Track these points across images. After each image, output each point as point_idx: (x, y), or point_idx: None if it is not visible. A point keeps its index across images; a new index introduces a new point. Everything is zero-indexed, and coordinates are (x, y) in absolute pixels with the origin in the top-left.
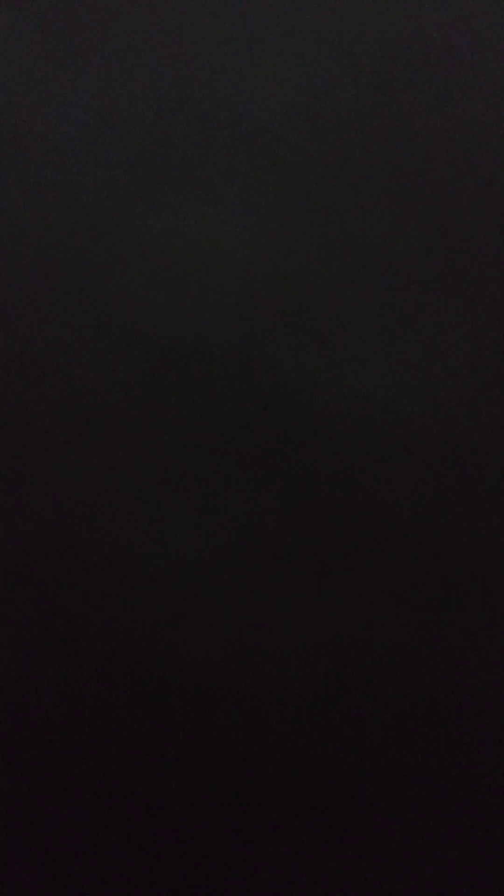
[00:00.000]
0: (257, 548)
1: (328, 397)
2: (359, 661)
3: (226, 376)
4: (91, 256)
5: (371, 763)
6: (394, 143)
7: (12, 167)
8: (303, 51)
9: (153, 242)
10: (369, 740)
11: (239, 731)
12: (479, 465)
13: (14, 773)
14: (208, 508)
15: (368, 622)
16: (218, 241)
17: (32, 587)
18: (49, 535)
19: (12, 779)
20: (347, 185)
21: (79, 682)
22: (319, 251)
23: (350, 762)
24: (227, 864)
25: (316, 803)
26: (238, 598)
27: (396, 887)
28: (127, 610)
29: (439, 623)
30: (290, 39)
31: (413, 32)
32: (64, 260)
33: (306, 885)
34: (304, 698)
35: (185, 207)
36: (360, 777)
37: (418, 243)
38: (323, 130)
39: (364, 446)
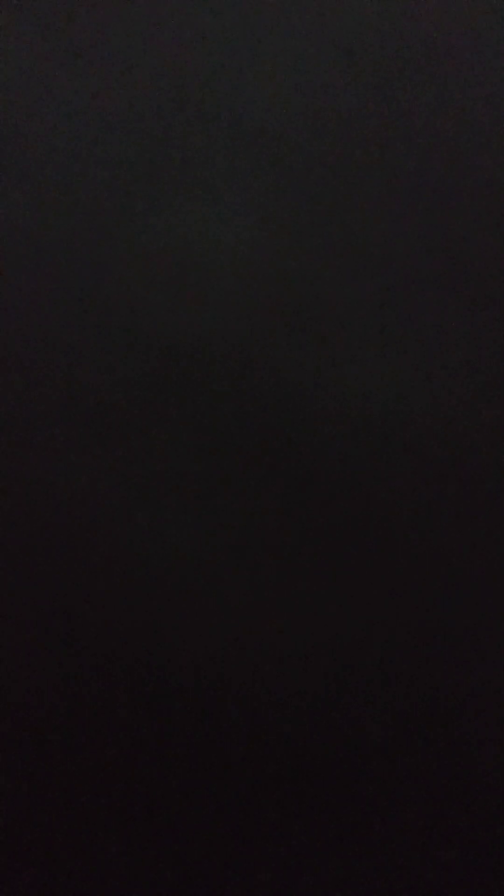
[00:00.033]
0: (257, 548)
1: (328, 397)
2: (359, 661)
3: (226, 376)
4: (91, 256)
5: (371, 763)
6: (394, 143)
7: (12, 167)
8: (303, 51)
9: (153, 242)
10: (369, 740)
11: (239, 731)
12: (479, 465)
13: (14, 772)
14: (208, 508)
15: (368, 622)
16: (218, 241)
17: (32, 587)
18: (49, 535)
19: (12, 778)
20: (347, 185)
21: (79, 682)
22: (319, 251)
23: (350, 762)
24: (227, 863)
25: (316, 803)
26: (238, 597)
27: (396, 887)
28: (127, 610)
29: (439, 623)
30: (290, 39)
31: (413, 32)
32: (64, 260)
33: (306, 885)
34: (304, 698)
35: (185, 207)
36: (360, 777)
37: (418, 243)
38: (323, 130)
39: (364, 446)
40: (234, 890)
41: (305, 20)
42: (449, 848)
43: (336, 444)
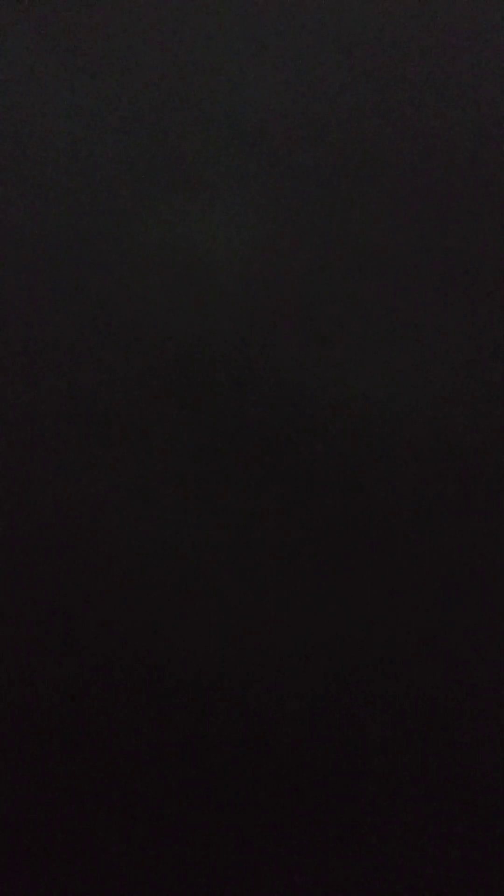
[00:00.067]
0: (257, 548)
1: (328, 397)
2: (359, 661)
3: (226, 376)
4: (91, 256)
5: (371, 763)
6: (394, 143)
7: (12, 167)
8: (303, 51)
9: (153, 242)
10: (369, 740)
11: (238, 731)
12: (479, 465)
13: (14, 772)
14: (208, 508)
15: (368, 622)
16: (218, 241)
17: (32, 587)
18: (49, 535)
19: (12, 778)
20: (347, 185)
21: (79, 682)
22: (319, 251)
23: (350, 762)
24: (226, 863)
25: (316, 803)
26: (238, 597)
27: (396, 887)
28: (127, 610)
29: (439, 623)
30: (290, 39)
31: (413, 32)
32: (64, 260)
33: (306, 885)
34: (304, 698)
35: (185, 207)
36: (359, 777)
37: (418, 243)
38: (323, 130)
39: (364, 446)
40: (234, 890)
41: (305, 20)
42: (449, 848)
43: (336, 444)
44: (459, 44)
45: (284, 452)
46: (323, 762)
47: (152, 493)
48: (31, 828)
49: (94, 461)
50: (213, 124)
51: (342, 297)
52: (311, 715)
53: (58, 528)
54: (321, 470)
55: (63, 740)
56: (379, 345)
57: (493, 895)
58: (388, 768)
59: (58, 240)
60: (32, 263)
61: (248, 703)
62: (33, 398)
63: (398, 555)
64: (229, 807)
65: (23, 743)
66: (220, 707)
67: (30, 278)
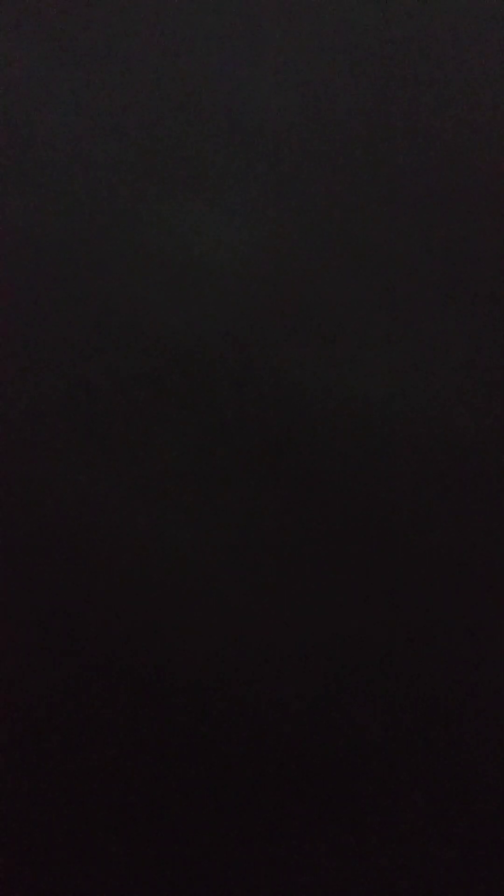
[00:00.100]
0: (257, 548)
1: (328, 397)
2: (359, 661)
3: (226, 376)
4: (91, 256)
5: (371, 763)
6: (394, 143)
7: (13, 167)
8: (303, 51)
9: (153, 242)
10: (369, 740)
11: (238, 731)
12: (479, 465)
13: (14, 771)
14: (208, 508)
15: (368, 622)
16: (218, 241)
17: (33, 586)
18: (49, 535)
19: (12, 778)
20: (348, 185)
21: (79, 682)
22: (319, 251)
23: (350, 762)
24: (226, 863)
25: (316, 803)
26: (238, 597)
27: (397, 887)
28: (127, 610)
29: (439, 623)
30: (289, 39)
31: (413, 32)
32: (64, 260)
33: (306, 885)
34: (303, 698)
35: (186, 207)
36: (360, 777)
37: (418, 243)
38: (323, 130)
39: (364, 446)
40: (234, 890)
41: (305, 20)
42: (449, 848)
43: (336, 444)
44: (459, 44)
45: (284, 452)
46: (323, 762)
47: (152, 493)
48: (31, 827)
49: (95, 461)
50: (213, 124)
51: (342, 297)
52: (311, 715)
53: (58, 528)
54: (321, 470)
55: (63, 740)
56: (379, 345)
57: (493, 895)
58: (388, 768)
59: (58, 239)
60: (32, 263)
61: (248, 704)
62: (34, 398)
63: (398, 555)
64: (229, 806)
65: (23, 742)
66: (220, 707)
67: (30, 278)
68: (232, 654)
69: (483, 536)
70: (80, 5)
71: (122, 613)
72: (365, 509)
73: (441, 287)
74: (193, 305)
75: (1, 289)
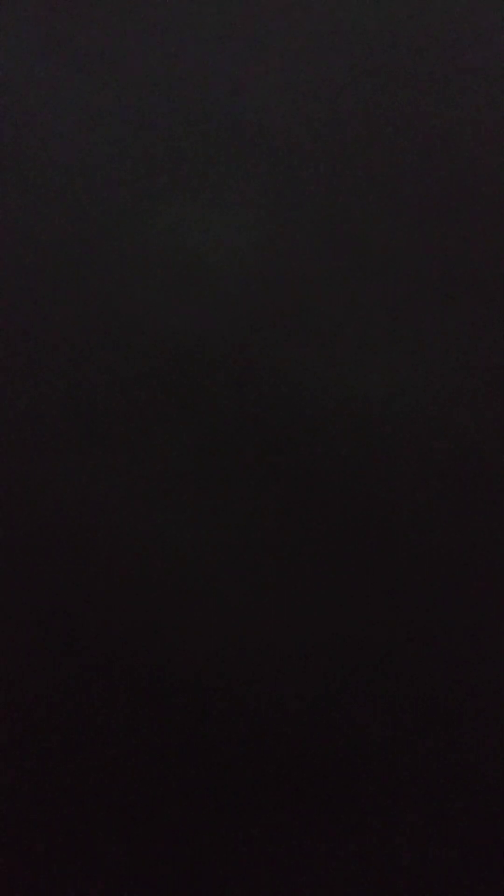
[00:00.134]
0: (257, 548)
1: (328, 397)
2: (359, 661)
3: (226, 376)
4: (92, 256)
5: (371, 763)
6: (394, 143)
7: (13, 167)
8: (303, 51)
9: (153, 242)
10: (369, 740)
11: (238, 731)
12: (479, 465)
13: (14, 771)
14: (208, 508)
15: (368, 622)
16: (218, 241)
17: (33, 586)
18: (49, 535)
19: (12, 778)
20: (347, 185)
21: (79, 681)
22: (319, 251)
23: (350, 762)
24: (226, 863)
25: (316, 803)
26: (238, 597)
27: (397, 887)
28: (127, 610)
29: (439, 623)
30: (289, 39)
31: (413, 32)
32: (64, 260)
33: (306, 885)
34: (304, 698)
35: (185, 207)
36: (360, 777)
37: (418, 244)
38: (323, 130)
39: (364, 446)
40: (234, 890)
41: (305, 20)
42: (449, 848)
43: (336, 443)
44: (459, 44)
45: (284, 452)
46: (323, 762)
47: (152, 493)
48: (31, 827)
49: (94, 461)
50: (213, 125)
51: (342, 297)
52: (311, 715)
53: (58, 528)
54: (321, 470)
55: (63, 739)
56: (379, 345)
57: (493, 895)
58: (388, 768)
59: (58, 240)
60: (33, 263)
61: (248, 704)
62: (34, 398)
63: (398, 555)
64: (229, 806)
65: (23, 742)
66: (220, 707)
67: (30, 278)
68: (232, 654)
69: (483, 536)
70: (80, 5)
71: (122, 613)
72: (365, 509)
73: (441, 287)
74: (193, 305)
75: (1, 289)
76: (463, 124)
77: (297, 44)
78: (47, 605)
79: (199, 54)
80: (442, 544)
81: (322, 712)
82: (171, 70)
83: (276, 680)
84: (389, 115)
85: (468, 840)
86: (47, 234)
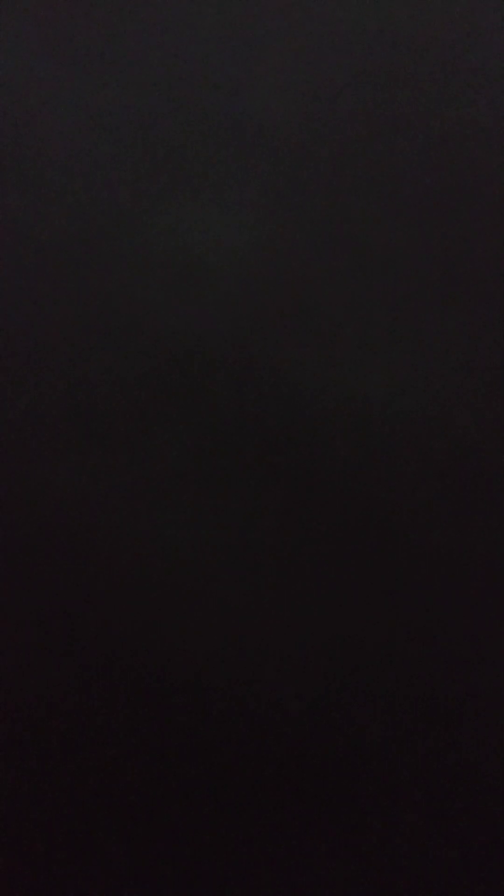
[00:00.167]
0: (257, 548)
1: (328, 397)
2: (359, 661)
3: (226, 376)
4: (91, 256)
5: (371, 763)
6: (394, 143)
7: (13, 167)
8: (303, 51)
9: (153, 242)
10: (369, 740)
11: (238, 731)
12: (479, 465)
13: (14, 771)
14: (208, 508)
15: (368, 622)
16: (218, 241)
17: (33, 586)
18: (49, 535)
19: (12, 778)
20: (348, 185)
21: (79, 681)
22: (320, 251)
23: (350, 762)
24: (226, 863)
25: (316, 803)
26: (238, 597)
27: (397, 887)
28: (127, 610)
29: (439, 623)
30: (289, 39)
31: (413, 32)
32: (64, 260)
33: (306, 885)
34: (303, 698)
35: (186, 207)
36: (360, 777)
37: (418, 243)
38: (323, 130)
39: (364, 446)
40: (234, 890)
41: (306, 20)
42: (449, 848)
43: (336, 444)
44: (459, 44)
45: (284, 452)
46: (323, 762)
47: (152, 493)
48: (31, 827)
49: (94, 461)
50: (214, 124)
51: (342, 297)
52: (311, 715)
53: (58, 528)
54: (321, 470)
55: (63, 739)
56: (379, 345)
57: (493, 895)
58: (388, 768)
59: (58, 240)
60: (32, 263)
61: (248, 704)
62: (34, 398)
63: (398, 555)
64: (229, 806)
65: (23, 742)
66: (220, 707)
67: (30, 278)
68: (232, 654)
69: (483, 536)
70: (80, 5)
71: (122, 613)
72: (365, 509)
73: (441, 287)
74: (193, 305)
75: (1, 289)
76: (463, 124)
77: (298, 44)
78: (47, 604)
79: (199, 54)
80: (442, 544)
81: (322, 712)
82: (171, 70)
83: (276, 680)
84: (389, 115)
85: (468, 840)
86: (47, 234)
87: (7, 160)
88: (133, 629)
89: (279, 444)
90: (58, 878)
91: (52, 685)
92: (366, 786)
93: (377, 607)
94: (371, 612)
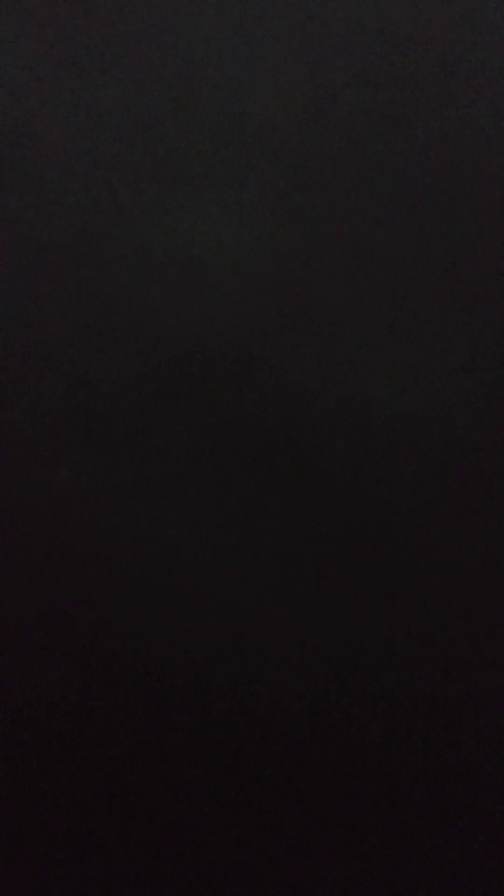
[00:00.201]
0: (257, 548)
1: (328, 397)
2: (359, 661)
3: (226, 376)
4: (91, 256)
5: (371, 763)
6: (394, 142)
7: (13, 167)
8: (303, 50)
9: (153, 242)
10: (369, 740)
11: (238, 731)
12: (479, 465)
13: (14, 772)
14: (208, 508)
15: (368, 622)
16: (218, 241)
17: (33, 586)
18: (50, 535)
19: (12, 778)
20: (348, 185)
21: (79, 681)
22: (319, 251)
23: (350, 762)
24: (226, 863)
25: (316, 803)
26: (238, 597)
27: (397, 887)
28: (127, 610)
29: (439, 623)
30: (289, 39)
31: (413, 32)
32: (64, 260)
33: (306, 885)
34: (303, 698)
35: (186, 207)
36: (360, 777)
37: (418, 243)
38: (323, 130)
39: (364, 446)
40: (234, 890)
41: (306, 20)
42: (449, 848)
43: (336, 443)
44: (459, 44)
45: (284, 452)
46: (323, 762)
47: (152, 493)
48: (31, 827)
49: (94, 461)
50: (213, 124)
51: (342, 296)
52: (311, 715)
53: (58, 527)
54: (321, 470)
55: (63, 739)
56: (379, 345)
57: (493, 895)
58: (388, 768)
59: (58, 240)
60: (33, 263)
61: (248, 704)
62: (34, 398)
63: (398, 555)
64: (229, 806)
65: (23, 742)
66: (220, 707)
67: (30, 278)
68: (232, 654)
69: (483, 536)
70: (80, 5)
71: (122, 613)
72: (365, 509)
73: (441, 287)
74: (193, 305)
75: (1, 289)
76: (463, 124)
77: (298, 44)
78: (47, 604)
79: (200, 54)
80: (442, 544)
81: (322, 712)
82: (172, 70)
83: (276, 680)
84: (389, 115)
85: (468, 840)
86: (47, 234)
87: (7, 160)
88: (133, 629)
89: (279, 444)
90: (58, 878)
91: (52, 685)
92: (366, 786)
93: (377, 607)
94: (371, 612)
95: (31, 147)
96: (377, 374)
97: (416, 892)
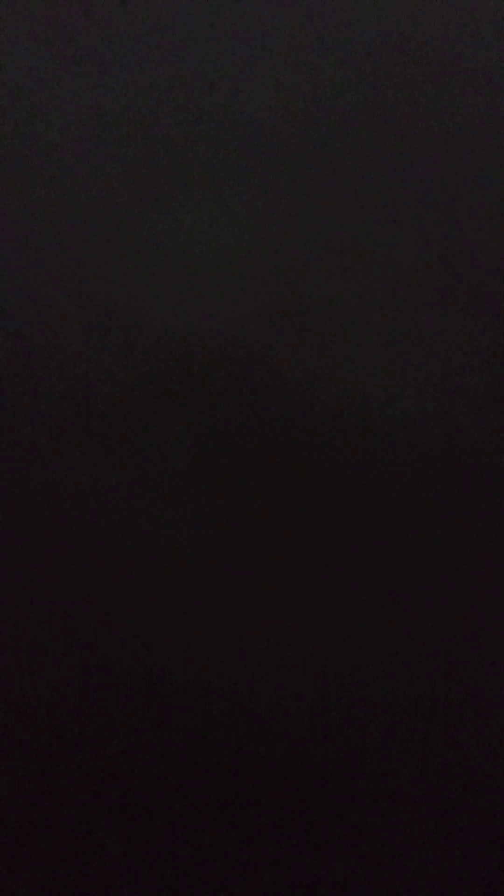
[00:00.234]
0: (257, 548)
1: (328, 397)
2: (359, 661)
3: (226, 376)
4: (91, 256)
5: (371, 763)
6: (394, 143)
7: (12, 167)
8: (302, 51)
9: (153, 242)
10: (369, 740)
11: (238, 732)
12: (480, 465)
13: (14, 772)
14: (208, 508)
15: (368, 622)
16: (218, 241)
17: (32, 586)
18: (50, 535)
19: (12, 777)
20: (348, 185)
21: (78, 682)
22: (319, 251)
23: (350, 762)
24: (226, 863)
25: (316, 803)
26: (238, 597)
27: (396, 887)
28: (127, 610)
29: (439, 623)
30: (289, 39)
31: (413, 32)
32: (64, 260)
33: (306, 885)
34: (303, 699)
35: (185, 207)
36: (360, 777)
37: (418, 243)
38: (322, 130)
39: (364, 446)
40: (234, 890)
41: (305, 20)
42: (449, 848)
43: (336, 443)
44: (459, 44)
45: (284, 452)
46: (323, 762)
47: (152, 493)
48: (31, 827)
49: (94, 460)
50: (213, 124)
51: (342, 297)
52: (311, 715)
53: (58, 528)
54: (321, 470)
55: (63, 740)
56: (379, 345)
57: (493, 895)
58: (388, 768)
59: (58, 239)
60: (32, 263)
61: (247, 704)
62: (34, 398)
63: (398, 555)
64: (229, 806)
65: (23, 742)
66: (220, 707)
67: (30, 278)
68: (232, 654)
69: (483, 536)
70: (80, 5)
71: (122, 613)
72: (365, 509)
73: (441, 287)
74: (193, 305)
75: (1, 289)
76: (463, 124)
77: (298, 44)
78: (47, 604)
79: (199, 54)
80: (442, 544)
81: (322, 712)
82: (172, 70)
83: (276, 680)
84: (389, 115)
85: (468, 840)
86: (47, 234)
87: (7, 160)
88: (133, 629)
89: (279, 444)
90: (58, 878)
91: (52, 685)
92: (366, 786)
93: (377, 607)
94: (371, 612)
95: (31, 147)
96: (377, 374)
97: (416, 892)
